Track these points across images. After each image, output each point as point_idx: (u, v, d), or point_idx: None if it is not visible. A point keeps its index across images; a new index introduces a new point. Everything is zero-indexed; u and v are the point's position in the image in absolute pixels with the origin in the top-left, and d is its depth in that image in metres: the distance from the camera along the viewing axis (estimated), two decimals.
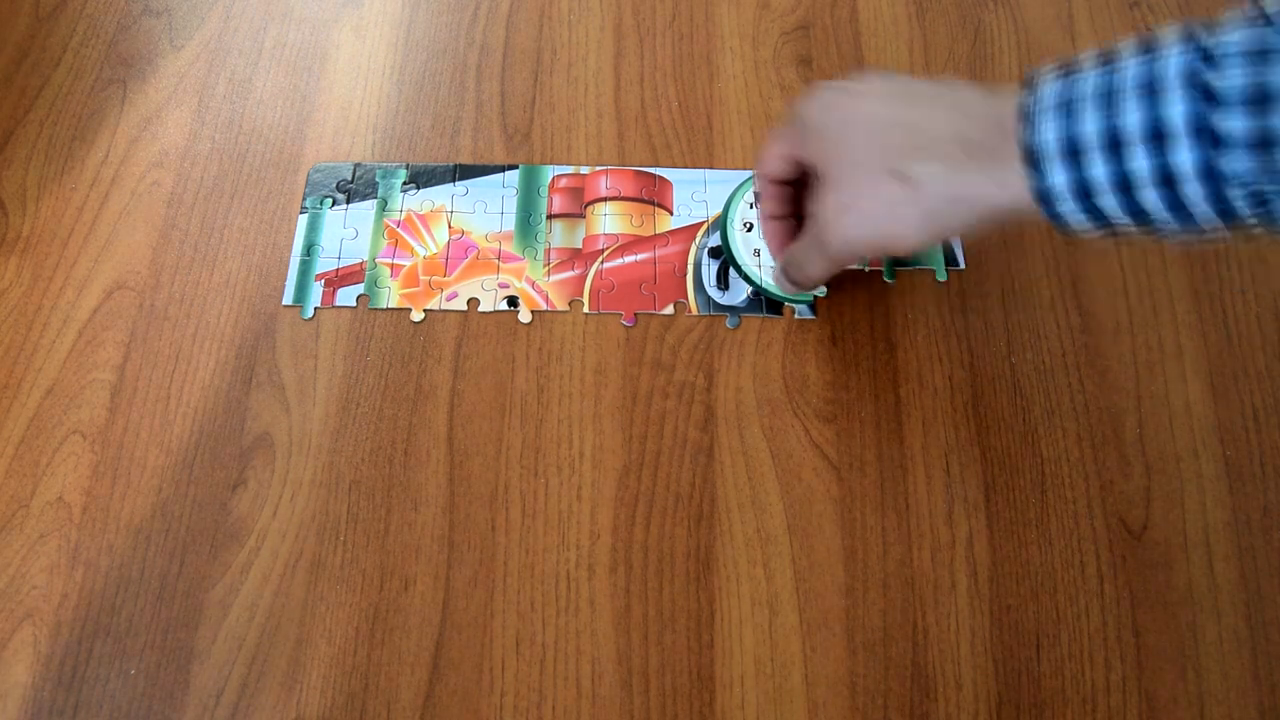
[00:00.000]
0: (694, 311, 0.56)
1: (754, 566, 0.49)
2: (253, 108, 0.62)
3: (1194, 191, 0.34)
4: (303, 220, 0.58)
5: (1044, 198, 0.37)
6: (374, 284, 0.56)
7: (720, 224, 0.58)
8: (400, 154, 0.61)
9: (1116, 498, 0.51)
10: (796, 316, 0.56)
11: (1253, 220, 0.35)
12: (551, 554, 0.50)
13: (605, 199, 0.59)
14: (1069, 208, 0.37)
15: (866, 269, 0.57)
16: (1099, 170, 0.35)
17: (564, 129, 0.62)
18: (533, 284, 0.57)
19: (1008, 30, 0.66)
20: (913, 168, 0.41)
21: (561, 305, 0.56)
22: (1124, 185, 0.35)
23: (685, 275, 0.57)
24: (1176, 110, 0.33)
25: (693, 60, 0.64)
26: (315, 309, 0.56)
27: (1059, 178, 0.36)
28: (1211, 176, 0.33)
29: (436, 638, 0.48)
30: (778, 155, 0.48)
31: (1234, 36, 0.33)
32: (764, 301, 0.56)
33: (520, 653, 0.48)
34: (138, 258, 0.57)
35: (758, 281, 0.57)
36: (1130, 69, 0.35)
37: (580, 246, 0.58)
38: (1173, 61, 0.34)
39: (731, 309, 0.56)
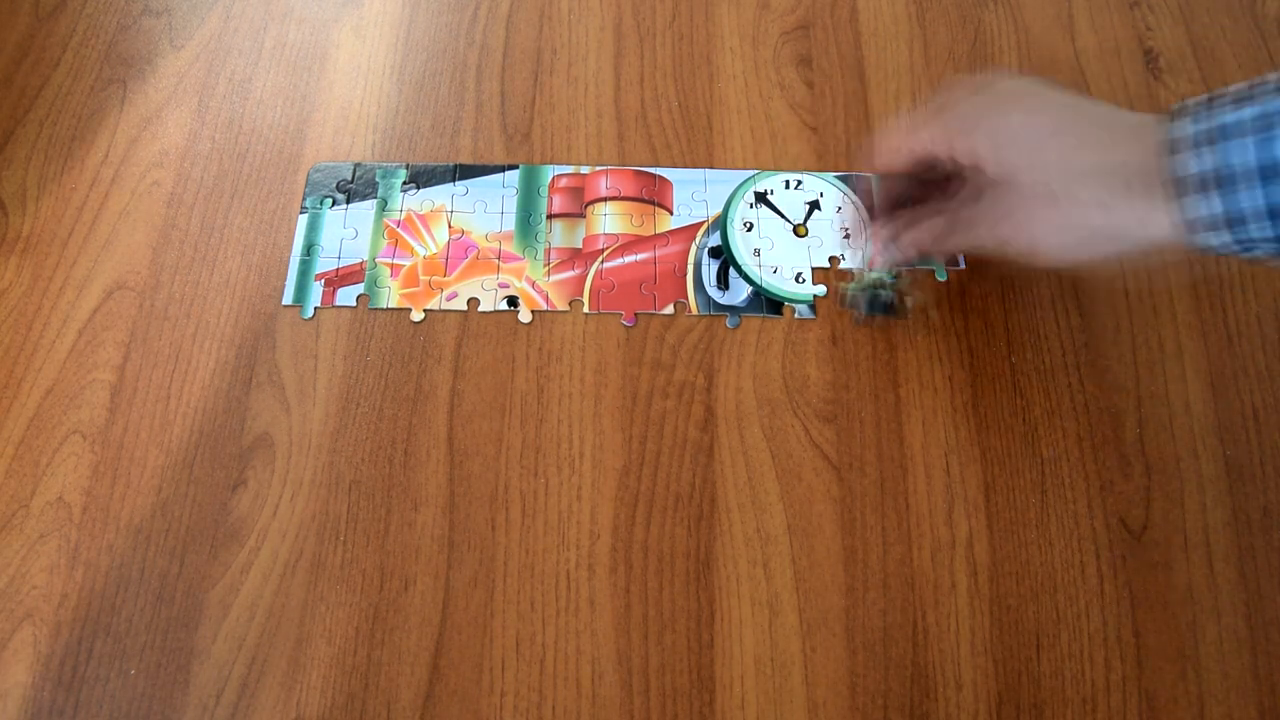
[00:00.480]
0: (694, 311, 0.56)
1: (754, 566, 0.49)
2: (253, 108, 0.62)
3: None
4: (303, 220, 0.58)
5: (1198, 227, 0.38)
6: (374, 284, 0.56)
7: (720, 224, 0.58)
8: (400, 154, 0.61)
9: (1116, 498, 0.51)
10: (796, 316, 0.56)
11: None
12: (551, 554, 0.50)
13: (605, 199, 0.59)
14: (1221, 239, 0.38)
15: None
16: (1255, 201, 0.36)
17: (564, 129, 0.62)
18: (533, 284, 0.57)
19: (1008, 30, 0.66)
20: (1074, 191, 0.42)
21: (561, 305, 0.56)
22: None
23: (685, 275, 0.57)
24: None
25: (693, 60, 0.64)
26: (315, 309, 0.56)
27: (1212, 208, 0.37)
28: None
29: (436, 638, 0.48)
30: (922, 144, 0.48)
31: None
32: (764, 301, 0.56)
33: (520, 653, 0.48)
34: (138, 258, 0.57)
35: (758, 281, 0.57)
36: None
37: (580, 246, 0.58)
38: None
39: (731, 309, 0.56)
